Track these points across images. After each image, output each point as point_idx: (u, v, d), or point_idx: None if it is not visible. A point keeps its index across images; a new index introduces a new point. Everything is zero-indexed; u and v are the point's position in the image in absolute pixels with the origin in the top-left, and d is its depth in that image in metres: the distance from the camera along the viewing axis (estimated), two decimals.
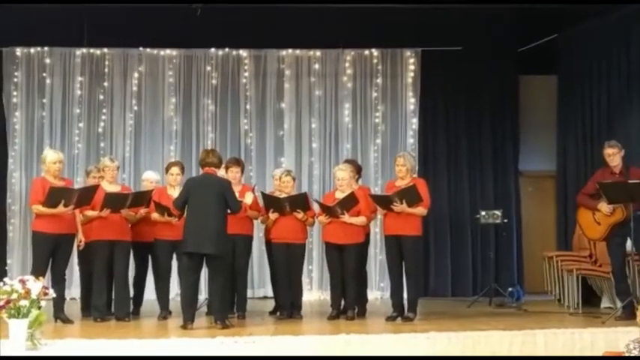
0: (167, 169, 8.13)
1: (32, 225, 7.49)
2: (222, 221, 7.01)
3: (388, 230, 7.61)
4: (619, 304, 7.59)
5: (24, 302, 5.57)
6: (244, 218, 7.81)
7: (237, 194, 7.54)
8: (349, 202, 7.58)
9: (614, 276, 7.65)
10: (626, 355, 5.22)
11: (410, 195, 7.39)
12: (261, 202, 8.03)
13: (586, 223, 7.73)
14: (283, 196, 7.89)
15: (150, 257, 8.03)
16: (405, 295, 7.68)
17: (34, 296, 5.62)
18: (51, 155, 7.47)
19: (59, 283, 7.25)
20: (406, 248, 7.48)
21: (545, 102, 10.92)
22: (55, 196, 7.15)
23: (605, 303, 8.54)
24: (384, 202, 7.56)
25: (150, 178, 8.34)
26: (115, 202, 7.52)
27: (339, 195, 7.71)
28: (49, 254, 7.28)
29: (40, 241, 7.27)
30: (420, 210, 7.50)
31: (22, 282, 5.65)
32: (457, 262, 10.59)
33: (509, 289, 9.48)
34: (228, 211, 7.09)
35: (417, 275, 7.78)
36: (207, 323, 7.18)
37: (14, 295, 5.56)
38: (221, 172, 7.50)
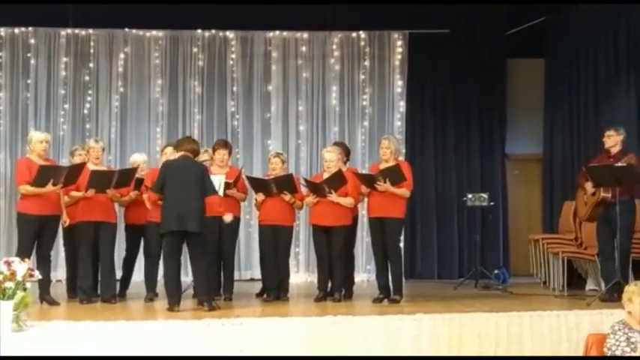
0: (162, 150, 8.14)
1: (17, 206, 7.44)
2: (202, 201, 6.99)
3: (372, 213, 7.63)
4: (604, 287, 7.65)
5: (9, 284, 5.54)
6: (232, 200, 7.79)
7: (224, 176, 7.58)
8: (336, 181, 7.57)
9: (601, 258, 7.71)
10: (611, 336, 5.26)
11: (393, 174, 7.40)
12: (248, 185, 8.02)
13: (579, 202, 7.84)
14: (270, 177, 7.89)
15: (142, 239, 8.00)
16: (390, 277, 7.70)
17: (19, 278, 5.60)
18: (37, 134, 7.43)
19: (44, 264, 7.20)
20: (389, 231, 7.50)
21: (533, 85, 10.95)
22: (44, 174, 7.09)
23: (590, 285, 8.61)
24: (368, 180, 7.57)
25: (138, 161, 8.30)
26: (100, 180, 7.47)
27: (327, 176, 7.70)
28: (35, 235, 7.23)
29: (25, 223, 7.22)
30: (403, 191, 7.51)
31: (8, 264, 5.62)
32: (443, 245, 10.64)
33: (495, 271, 9.55)
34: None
35: (399, 257, 7.78)
36: (193, 305, 7.16)
37: None
38: (203, 157, 7.48)
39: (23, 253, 6.55)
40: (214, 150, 8.02)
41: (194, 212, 6.88)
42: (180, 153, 7.15)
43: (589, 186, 7.59)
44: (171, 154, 7.91)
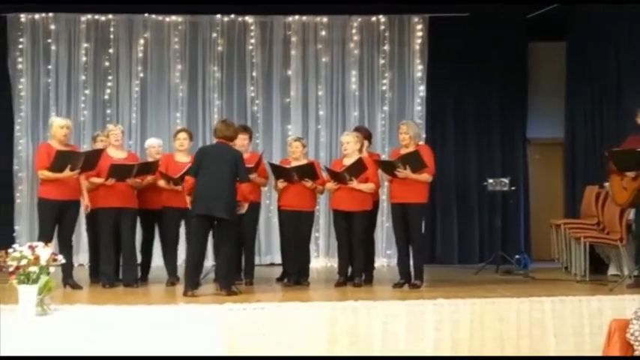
0: (175, 135, 8.13)
1: (38, 192, 7.50)
2: (233, 188, 7.01)
3: (394, 198, 7.59)
4: (627, 272, 7.57)
5: (33, 268, 5.60)
6: (252, 185, 7.78)
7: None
8: (357, 169, 7.56)
9: (637, 244, 7.60)
10: (634, 321, 5.23)
11: (413, 160, 7.36)
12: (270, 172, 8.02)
13: (616, 188, 7.61)
14: (292, 164, 7.87)
15: (157, 225, 8.05)
16: (411, 263, 7.69)
17: (43, 262, 5.65)
18: (58, 120, 7.51)
19: (66, 249, 7.28)
20: (411, 216, 7.46)
21: (554, 69, 10.84)
22: (61, 159, 7.15)
23: (612, 270, 8.53)
24: (388, 167, 7.54)
25: (153, 144, 8.32)
26: (120, 173, 7.52)
27: (347, 162, 7.69)
28: (55, 221, 7.30)
29: (46, 208, 7.28)
30: (425, 176, 7.47)
31: (32, 248, 5.67)
32: (464, 230, 10.60)
33: (516, 256, 9.50)
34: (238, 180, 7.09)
35: (422, 242, 7.78)
36: (214, 290, 7.19)
37: (24, 262, 5.59)
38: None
39: (44, 238, 6.61)
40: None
41: (223, 198, 6.90)
42: (219, 140, 7.16)
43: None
44: (184, 139, 7.93)
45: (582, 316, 6.45)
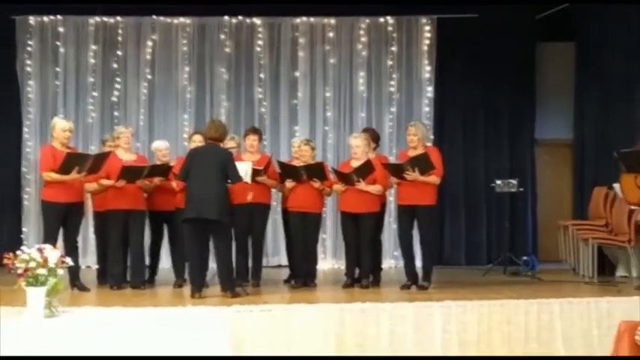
0: (189, 138, 8.13)
1: (41, 194, 7.51)
2: (223, 189, 7.00)
3: (402, 200, 7.57)
4: (635, 273, 7.53)
5: (42, 271, 5.61)
6: (263, 187, 7.80)
7: (251, 163, 7.55)
8: (365, 170, 7.56)
9: None
10: None
11: (422, 163, 7.34)
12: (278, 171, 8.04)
13: (628, 187, 7.51)
14: (300, 164, 7.87)
15: (166, 226, 8.06)
16: (420, 264, 7.67)
17: (51, 265, 5.66)
18: (61, 123, 7.48)
19: (73, 251, 7.26)
20: (420, 218, 7.45)
21: (563, 69, 10.78)
22: (70, 162, 7.17)
23: (620, 272, 8.52)
24: (396, 170, 7.52)
25: (160, 147, 8.31)
26: (131, 175, 7.54)
27: (355, 164, 7.68)
28: (60, 223, 7.32)
29: (50, 211, 7.30)
30: (433, 179, 7.45)
31: (40, 250, 5.69)
32: (472, 231, 10.57)
33: (524, 257, 9.46)
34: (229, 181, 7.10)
35: (431, 244, 7.77)
36: (221, 292, 7.19)
37: (32, 264, 5.61)
38: (230, 144, 7.47)
39: (49, 240, 6.65)
40: (245, 136, 8.05)
41: (213, 200, 6.87)
42: (208, 141, 7.18)
43: None
44: (199, 141, 7.94)
45: (591, 317, 6.44)
